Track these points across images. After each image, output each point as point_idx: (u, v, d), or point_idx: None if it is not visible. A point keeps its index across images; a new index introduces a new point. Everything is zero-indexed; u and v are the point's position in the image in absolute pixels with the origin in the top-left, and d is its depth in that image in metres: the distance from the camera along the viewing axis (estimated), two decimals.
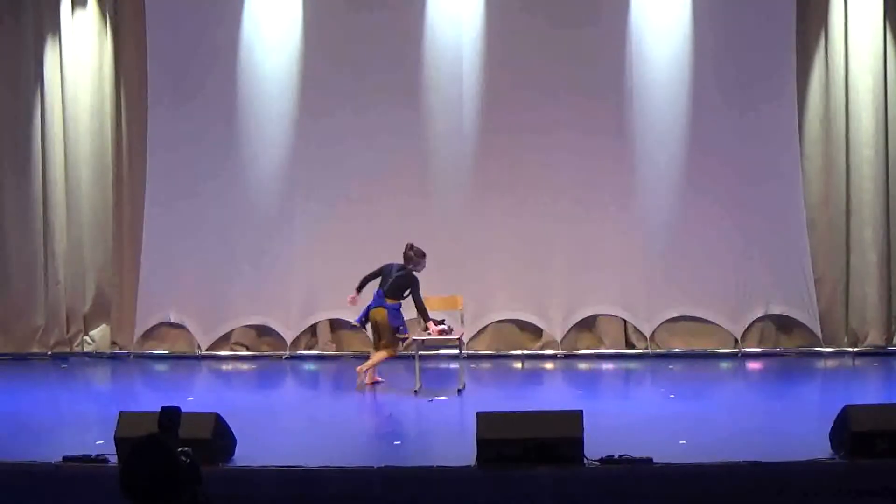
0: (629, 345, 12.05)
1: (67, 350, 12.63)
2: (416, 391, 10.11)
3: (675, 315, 11.95)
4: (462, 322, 10.94)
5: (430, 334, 10.17)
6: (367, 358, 10.70)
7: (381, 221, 11.95)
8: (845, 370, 11.36)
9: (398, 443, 8.67)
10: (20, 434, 8.69)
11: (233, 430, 7.62)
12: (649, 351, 11.90)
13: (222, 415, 7.50)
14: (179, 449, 6.01)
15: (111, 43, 12.61)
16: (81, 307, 12.68)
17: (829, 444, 7.43)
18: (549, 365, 11.79)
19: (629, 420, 8.87)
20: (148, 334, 12.53)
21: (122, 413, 7.45)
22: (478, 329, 12.05)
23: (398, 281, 10.21)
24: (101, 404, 10.04)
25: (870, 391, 10.58)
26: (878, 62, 11.68)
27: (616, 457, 7.07)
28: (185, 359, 12.33)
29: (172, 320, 12.46)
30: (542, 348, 12.06)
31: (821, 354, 11.79)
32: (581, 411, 7.22)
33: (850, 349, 11.81)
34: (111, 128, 12.63)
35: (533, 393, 10.71)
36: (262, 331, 12.44)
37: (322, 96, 12.12)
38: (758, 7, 11.74)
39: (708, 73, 11.79)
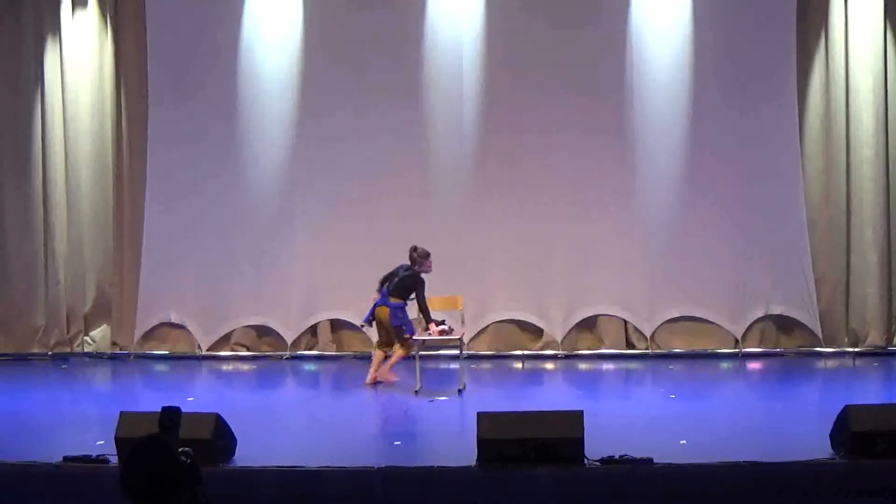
0: (629, 345, 12.04)
1: (68, 350, 12.63)
2: (416, 391, 10.11)
3: (676, 315, 11.95)
4: (462, 322, 10.94)
5: (430, 334, 10.19)
6: (369, 358, 10.73)
7: (381, 221, 11.96)
8: (846, 370, 11.36)
9: (398, 443, 8.66)
10: (20, 434, 8.69)
11: (233, 431, 7.62)
12: (650, 351, 11.90)
13: (223, 415, 7.51)
14: (180, 449, 6.03)
15: (111, 43, 12.60)
16: (82, 307, 12.68)
17: (829, 444, 7.44)
18: (549, 365, 11.79)
19: (630, 420, 8.87)
20: (148, 335, 12.53)
21: (122, 413, 7.45)
22: (478, 329, 12.04)
23: (404, 281, 10.26)
24: (102, 404, 10.05)
25: (870, 391, 10.58)
26: (879, 62, 11.68)
27: (616, 457, 7.08)
28: (186, 359, 12.33)
29: (173, 320, 12.46)
30: (542, 348, 12.06)
31: (821, 354, 11.79)
32: (581, 411, 7.22)
33: (851, 349, 11.80)
34: (111, 128, 12.64)
35: (533, 393, 10.71)
36: (263, 331, 12.44)
37: (322, 96, 12.12)
38: (758, 7, 11.74)
39: (708, 73, 11.79)
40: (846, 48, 11.70)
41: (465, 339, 11.15)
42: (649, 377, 11.21)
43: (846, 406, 7.32)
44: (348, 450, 7.93)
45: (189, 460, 6.00)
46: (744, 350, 11.83)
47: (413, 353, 10.30)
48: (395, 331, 10.28)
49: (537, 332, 12.12)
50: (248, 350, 12.43)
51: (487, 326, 12.13)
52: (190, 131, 12.32)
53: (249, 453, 7.55)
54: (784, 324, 11.93)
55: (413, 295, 10.24)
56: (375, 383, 10.50)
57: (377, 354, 10.62)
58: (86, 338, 12.70)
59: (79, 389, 11.39)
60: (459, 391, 10.21)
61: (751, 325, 11.87)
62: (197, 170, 12.33)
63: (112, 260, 12.68)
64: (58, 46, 12.55)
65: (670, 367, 11.47)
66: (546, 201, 11.92)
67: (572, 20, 11.86)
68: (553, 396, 10.59)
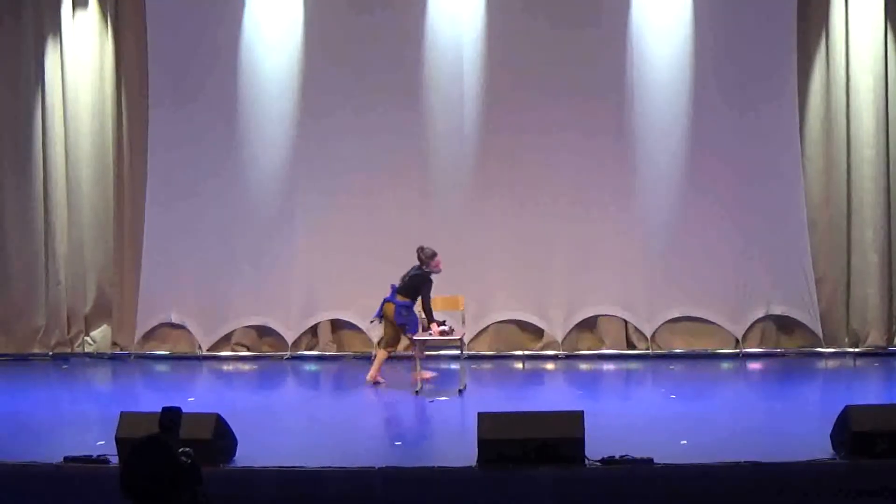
0: (630, 345, 12.04)
1: (68, 350, 12.63)
2: (417, 391, 10.11)
3: (676, 315, 11.94)
4: (463, 322, 10.95)
5: (430, 335, 10.20)
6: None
7: (381, 220, 11.97)
8: (846, 370, 11.36)
9: (399, 443, 8.67)
10: (21, 434, 8.70)
11: (234, 431, 7.62)
12: (650, 351, 11.90)
13: (223, 415, 7.51)
14: (180, 449, 6.03)
15: (112, 43, 12.60)
16: (82, 308, 12.68)
17: (829, 444, 7.44)
18: (550, 365, 11.79)
19: (630, 420, 8.87)
20: (149, 335, 12.52)
21: (123, 413, 7.46)
22: (479, 329, 12.04)
23: (412, 280, 10.32)
24: (102, 405, 10.05)
25: (871, 391, 10.58)
26: (879, 62, 11.68)
27: (617, 457, 7.09)
28: (186, 359, 12.33)
29: (173, 321, 12.46)
30: (543, 349, 12.05)
31: (822, 355, 11.78)
32: (582, 412, 7.23)
33: (851, 349, 11.80)
34: (112, 128, 12.63)
35: (534, 393, 10.72)
36: (263, 331, 12.43)
37: (322, 96, 12.12)
38: (758, 7, 11.74)
39: (708, 73, 11.79)
40: (847, 48, 11.70)
41: (466, 340, 11.15)
42: (650, 377, 11.21)
43: (847, 406, 7.32)
44: (349, 450, 7.93)
45: (189, 460, 6.01)
46: (744, 350, 11.83)
47: (413, 352, 10.31)
48: (398, 328, 10.35)
49: (538, 332, 12.12)
50: (249, 350, 12.43)
51: (488, 327, 12.13)
52: (190, 131, 12.32)
53: (250, 453, 7.55)
54: (784, 324, 11.93)
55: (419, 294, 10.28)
56: (375, 382, 10.52)
57: (380, 354, 10.63)
58: (86, 338, 12.70)
59: (79, 390, 11.39)
60: (460, 391, 10.21)
61: (751, 326, 11.87)
62: (197, 170, 12.33)
63: (112, 260, 12.68)
64: (58, 47, 12.55)
65: (671, 367, 11.47)
66: (546, 201, 11.92)
67: (573, 20, 11.86)
68: (553, 397, 10.59)
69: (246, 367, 12.16)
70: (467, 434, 7.51)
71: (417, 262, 10.43)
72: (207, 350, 12.36)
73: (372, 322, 10.86)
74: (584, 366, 11.76)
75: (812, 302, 11.75)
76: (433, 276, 10.40)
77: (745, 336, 11.86)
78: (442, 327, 10.18)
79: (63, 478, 7.17)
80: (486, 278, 11.93)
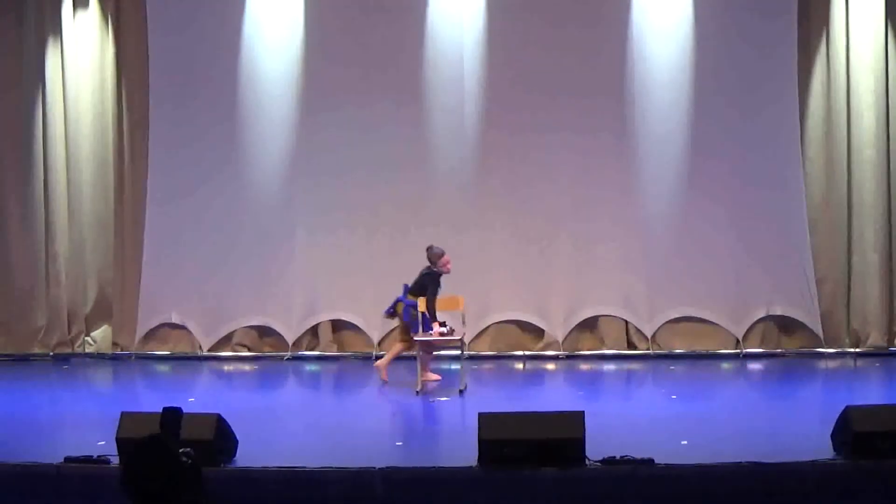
0: (630, 345, 12.04)
1: (69, 351, 12.64)
2: (417, 392, 10.11)
3: (677, 316, 11.95)
4: (463, 323, 10.94)
5: (430, 335, 10.19)
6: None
7: (382, 221, 11.97)
8: (847, 371, 11.36)
9: (400, 443, 8.66)
10: (22, 435, 8.69)
11: (234, 431, 7.61)
12: (651, 352, 11.90)
13: (224, 416, 7.50)
14: (181, 450, 6.02)
15: (112, 44, 12.61)
16: (83, 308, 12.69)
17: (830, 444, 7.43)
18: (550, 366, 11.79)
19: (631, 421, 8.86)
20: (149, 335, 12.53)
21: (123, 414, 7.45)
22: (479, 330, 12.05)
23: (421, 280, 10.35)
24: (103, 405, 10.04)
25: (871, 392, 10.58)
26: (880, 62, 11.68)
27: (618, 457, 7.07)
28: (187, 359, 12.34)
29: (174, 321, 12.47)
30: (543, 349, 12.05)
31: (822, 355, 11.79)
32: (583, 412, 7.21)
33: (852, 350, 11.81)
34: (112, 129, 12.64)
35: (534, 393, 10.71)
36: (264, 331, 12.44)
37: (323, 97, 12.12)
38: (759, 7, 11.74)
39: (709, 73, 11.79)
40: (847, 48, 11.70)
41: (466, 340, 11.15)
42: (650, 378, 11.21)
43: (847, 407, 7.31)
44: (349, 450, 7.92)
45: (190, 461, 6.00)
46: (745, 350, 11.83)
47: (414, 353, 10.31)
48: (404, 326, 10.39)
49: (538, 332, 12.12)
50: (250, 350, 12.43)
51: (488, 327, 12.14)
52: (190, 131, 12.33)
53: (250, 454, 7.54)
54: (785, 324, 11.94)
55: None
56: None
57: (396, 346, 10.59)
58: (87, 338, 12.71)
59: (80, 390, 11.39)
60: (461, 391, 10.20)
61: (752, 326, 11.88)
62: (198, 170, 12.34)
63: (113, 260, 12.69)
64: (59, 47, 12.55)
65: (671, 367, 11.47)
66: (547, 201, 11.93)
67: (573, 20, 11.87)
68: (554, 397, 10.58)
69: (247, 367, 12.16)
70: (468, 434, 7.50)
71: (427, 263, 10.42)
72: (208, 350, 12.37)
73: (384, 316, 10.81)
74: (584, 366, 11.77)
75: (812, 302, 11.76)
76: (442, 277, 10.37)
77: (745, 336, 11.86)
78: (442, 328, 10.17)
79: (63, 478, 7.16)
80: (486, 278, 11.93)
